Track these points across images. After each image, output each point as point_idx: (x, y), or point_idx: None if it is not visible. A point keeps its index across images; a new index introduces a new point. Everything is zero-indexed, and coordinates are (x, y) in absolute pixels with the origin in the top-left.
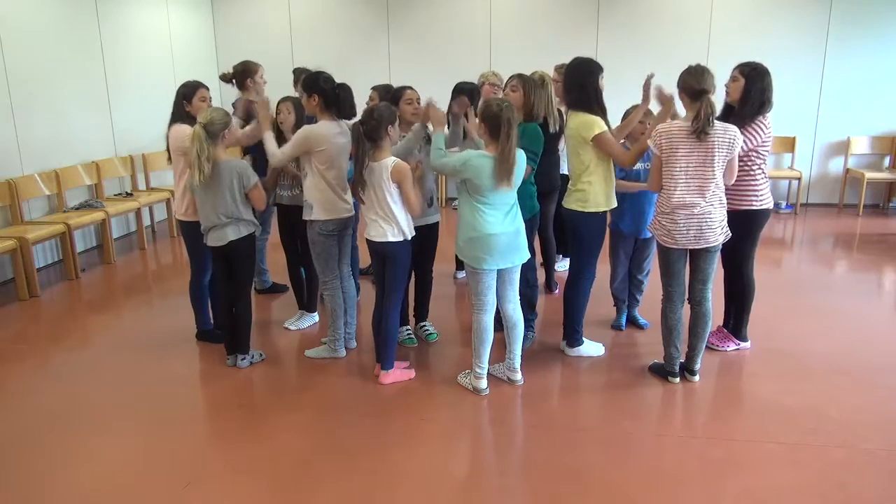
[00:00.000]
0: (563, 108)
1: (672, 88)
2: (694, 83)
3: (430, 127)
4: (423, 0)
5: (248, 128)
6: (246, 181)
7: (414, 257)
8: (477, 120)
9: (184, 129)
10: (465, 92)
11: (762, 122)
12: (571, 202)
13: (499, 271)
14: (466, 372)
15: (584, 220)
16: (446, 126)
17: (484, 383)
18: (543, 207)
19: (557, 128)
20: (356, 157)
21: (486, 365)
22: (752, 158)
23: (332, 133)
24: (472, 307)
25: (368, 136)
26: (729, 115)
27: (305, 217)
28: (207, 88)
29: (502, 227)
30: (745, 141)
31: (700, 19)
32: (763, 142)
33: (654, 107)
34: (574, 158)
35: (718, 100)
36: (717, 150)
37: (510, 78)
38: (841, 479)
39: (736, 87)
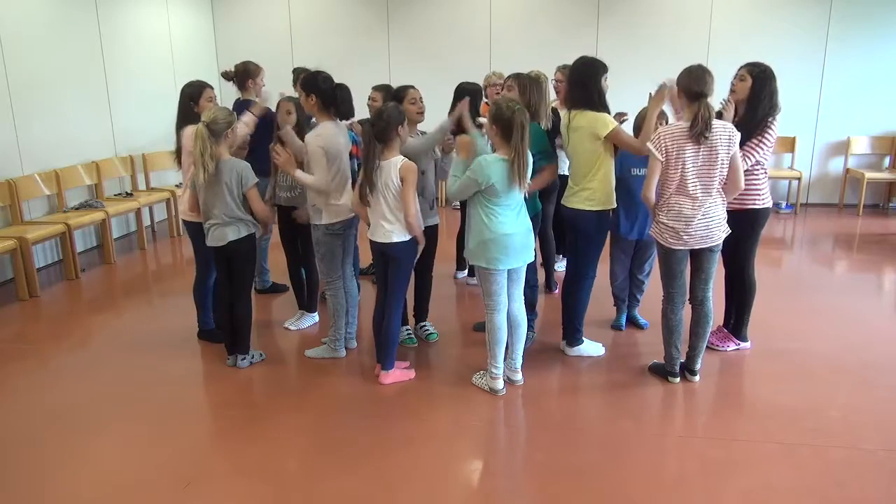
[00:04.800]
0: (558, 108)
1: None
2: (694, 85)
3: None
4: (423, 0)
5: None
6: (244, 181)
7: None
8: (487, 122)
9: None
10: (467, 93)
11: (772, 126)
12: (578, 201)
13: (508, 271)
14: (482, 373)
15: (591, 219)
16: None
17: (500, 383)
18: (543, 207)
19: (550, 126)
20: (365, 158)
21: (501, 365)
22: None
23: (332, 133)
24: (484, 308)
25: (378, 137)
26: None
27: (314, 222)
28: (212, 88)
29: (515, 226)
30: (758, 149)
31: (700, 19)
32: (772, 144)
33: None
34: (581, 157)
35: (717, 100)
36: (720, 148)
37: (506, 78)
38: (841, 479)
39: (743, 87)
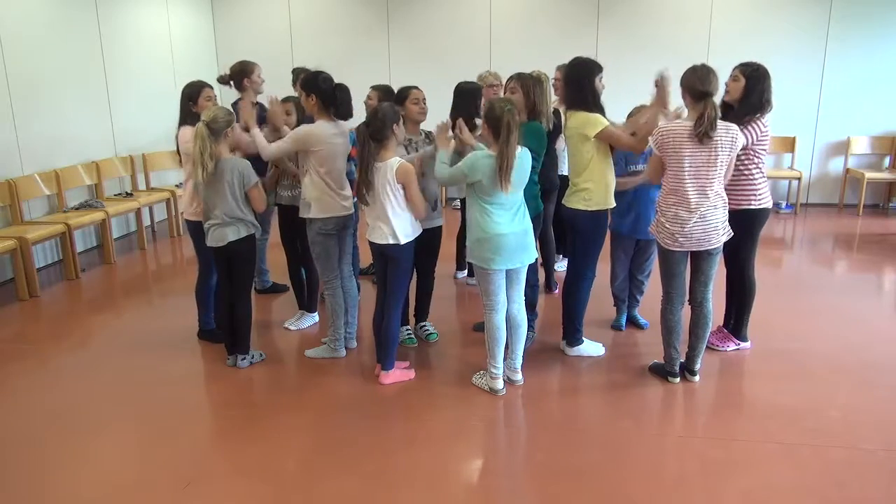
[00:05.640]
0: (560, 108)
1: (670, 88)
2: (698, 84)
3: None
4: (423, 0)
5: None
6: (246, 180)
7: (416, 258)
8: (481, 120)
9: (187, 132)
10: (466, 92)
11: (760, 121)
12: (575, 201)
13: (507, 271)
14: (482, 373)
15: (588, 219)
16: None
17: (500, 383)
18: (544, 207)
19: (551, 126)
20: (360, 159)
21: (501, 365)
22: (751, 157)
23: (328, 133)
24: (483, 308)
25: (373, 137)
26: (727, 114)
27: (302, 215)
28: (212, 87)
29: (510, 227)
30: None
31: (700, 19)
32: (759, 140)
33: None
34: (576, 158)
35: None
36: (720, 150)
37: (508, 79)
38: (841, 479)
39: (736, 87)
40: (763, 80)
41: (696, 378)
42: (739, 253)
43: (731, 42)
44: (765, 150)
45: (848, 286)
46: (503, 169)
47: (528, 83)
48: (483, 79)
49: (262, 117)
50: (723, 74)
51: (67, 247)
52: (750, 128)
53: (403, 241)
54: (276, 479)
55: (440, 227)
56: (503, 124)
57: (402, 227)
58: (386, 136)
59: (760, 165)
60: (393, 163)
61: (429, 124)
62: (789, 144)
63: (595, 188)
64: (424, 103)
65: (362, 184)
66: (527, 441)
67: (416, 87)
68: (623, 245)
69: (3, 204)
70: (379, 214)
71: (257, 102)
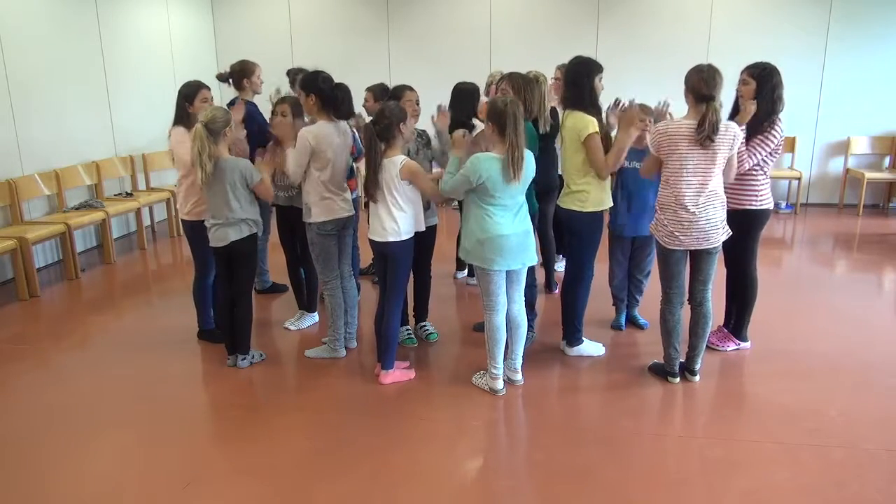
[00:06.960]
0: (558, 108)
1: (671, 88)
2: (703, 88)
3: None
4: (423, 0)
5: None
6: (250, 178)
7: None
8: (484, 119)
9: (179, 133)
10: (464, 92)
11: (777, 126)
12: (570, 202)
13: (507, 271)
14: (482, 373)
15: (584, 219)
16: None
17: (500, 384)
18: (542, 207)
19: (548, 128)
20: (367, 158)
21: (501, 365)
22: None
23: (329, 133)
24: (483, 308)
25: (381, 136)
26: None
27: (305, 219)
28: (209, 88)
29: (512, 227)
30: (759, 149)
31: (700, 19)
32: (778, 144)
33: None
34: (571, 158)
35: (723, 100)
36: (719, 149)
37: (499, 80)
38: (841, 479)
39: (748, 91)
40: (773, 78)
41: (696, 378)
42: (740, 253)
43: (731, 42)
44: (778, 153)
45: (848, 286)
46: (515, 159)
47: (519, 83)
48: (493, 77)
49: (254, 116)
50: (723, 75)
51: (67, 247)
52: (770, 135)
53: (404, 237)
54: (276, 479)
55: (435, 226)
56: (508, 117)
57: (402, 223)
58: (393, 134)
59: (765, 167)
60: (397, 160)
61: (423, 125)
62: (789, 144)
63: (591, 189)
64: (418, 105)
65: (370, 183)
66: (527, 441)
67: (410, 88)
68: (621, 245)
69: (3, 204)
70: (381, 212)
71: (246, 100)
